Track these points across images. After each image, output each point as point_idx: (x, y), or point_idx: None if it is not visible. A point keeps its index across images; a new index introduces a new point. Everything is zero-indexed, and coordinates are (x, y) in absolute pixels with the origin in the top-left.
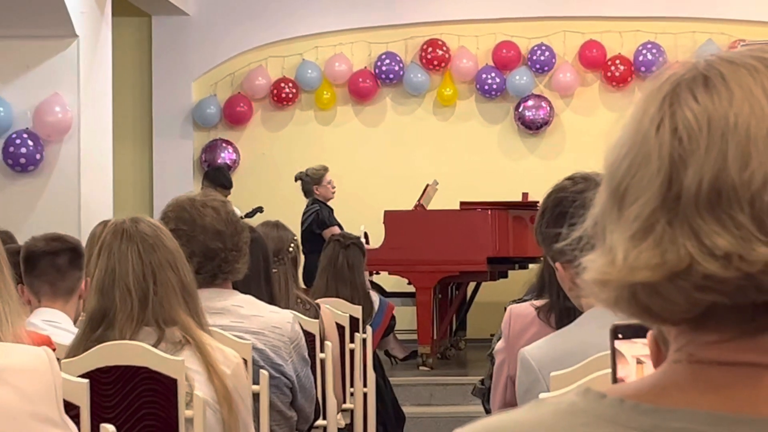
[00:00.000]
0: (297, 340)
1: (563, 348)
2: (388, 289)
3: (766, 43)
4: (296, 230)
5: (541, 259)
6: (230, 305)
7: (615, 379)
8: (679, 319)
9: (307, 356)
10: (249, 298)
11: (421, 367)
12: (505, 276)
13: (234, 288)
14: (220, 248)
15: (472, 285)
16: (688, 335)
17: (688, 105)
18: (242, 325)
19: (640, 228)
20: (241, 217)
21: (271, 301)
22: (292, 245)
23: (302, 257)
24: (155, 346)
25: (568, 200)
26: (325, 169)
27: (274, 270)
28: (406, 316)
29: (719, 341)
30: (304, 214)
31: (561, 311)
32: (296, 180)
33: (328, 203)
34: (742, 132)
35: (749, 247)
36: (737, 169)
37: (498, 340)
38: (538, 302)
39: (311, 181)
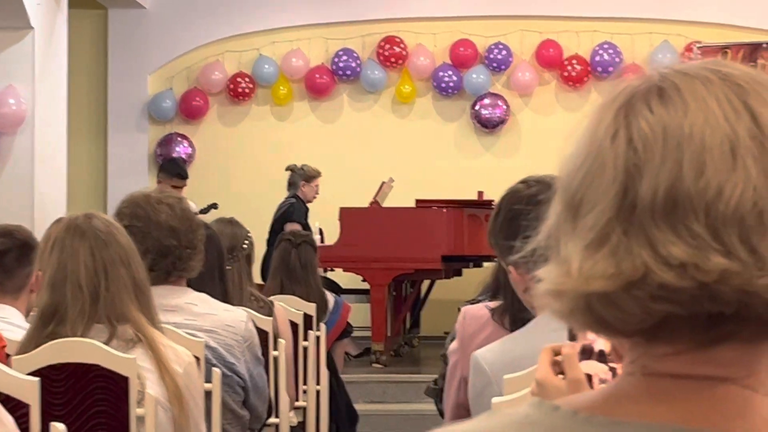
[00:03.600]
0: (250, 339)
1: (516, 351)
2: (342, 286)
3: (722, 47)
4: (252, 226)
5: (495, 259)
6: (184, 303)
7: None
8: (633, 330)
9: (260, 355)
10: (203, 296)
11: (374, 365)
12: (460, 274)
13: (188, 285)
14: (175, 245)
15: (426, 283)
16: (642, 347)
17: (643, 116)
18: (195, 323)
19: (595, 238)
20: (196, 213)
21: (225, 298)
22: (246, 242)
23: (256, 254)
24: (107, 343)
25: (522, 203)
26: (319, 173)
27: (228, 267)
28: (360, 313)
29: (673, 353)
30: (280, 205)
31: (515, 314)
32: (287, 170)
33: (306, 204)
34: (696, 141)
35: (704, 257)
36: (692, 179)
37: (451, 341)
38: (493, 304)
39: (302, 176)
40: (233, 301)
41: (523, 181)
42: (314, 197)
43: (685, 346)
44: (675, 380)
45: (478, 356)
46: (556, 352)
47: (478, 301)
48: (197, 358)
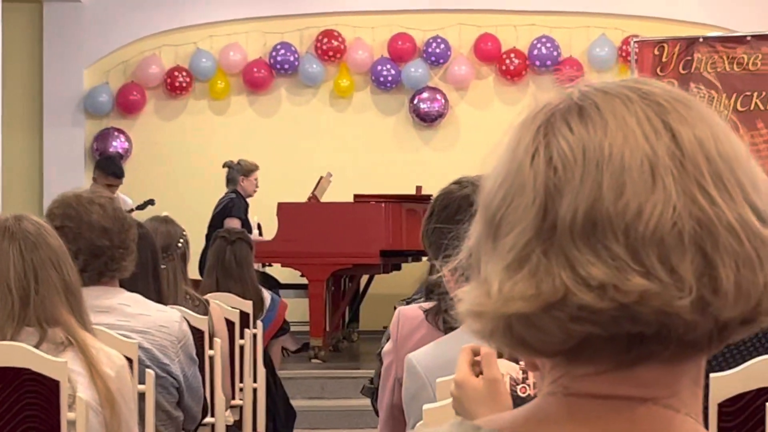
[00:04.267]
0: (184, 340)
1: (450, 354)
2: (281, 281)
3: (659, 41)
4: (189, 221)
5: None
6: (116, 304)
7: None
8: (554, 351)
9: (194, 355)
10: (136, 297)
11: (313, 360)
12: (399, 268)
13: (121, 286)
14: (107, 246)
15: (365, 277)
16: (563, 368)
17: (563, 135)
18: (129, 323)
19: (515, 258)
20: (132, 209)
21: (159, 298)
22: (182, 241)
23: (194, 250)
24: (37, 346)
25: (455, 204)
26: (257, 167)
27: (162, 266)
28: (298, 308)
29: (594, 374)
30: (220, 200)
31: (448, 315)
32: (224, 167)
33: (247, 200)
34: (616, 162)
35: (624, 278)
36: (612, 199)
37: (387, 341)
38: (427, 305)
39: (240, 171)
40: (168, 300)
41: (457, 182)
42: (254, 191)
43: (606, 367)
44: (596, 400)
45: (412, 359)
46: (476, 353)
47: (414, 300)
48: (130, 360)
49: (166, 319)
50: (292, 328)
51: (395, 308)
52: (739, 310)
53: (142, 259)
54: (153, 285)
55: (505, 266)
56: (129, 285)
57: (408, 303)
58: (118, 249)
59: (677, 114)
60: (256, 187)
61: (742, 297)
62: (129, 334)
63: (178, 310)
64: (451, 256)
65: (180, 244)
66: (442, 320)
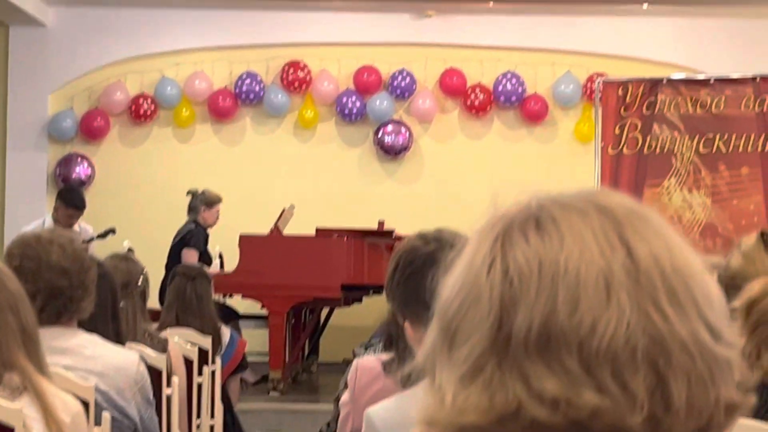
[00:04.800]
0: (142, 382)
1: (411, 410)
2: (241, 312)
3: (623, 82)
4: (151, 249)
5: (389, 313)
6: (74, 345)
7: None
8: None
9: (151, 397)
10: (93, 338)
11: (271, 392)
12: (360, 301)
13: (80, 325)
14: (66, 286)
15: (326, 309)
16: None
17: (520, 247)
18: (86, 365)
19: (469, 369)
20: (93, 238)
21: (118, 337)
22: (141, 278)
23: (154, 278)
24: None
25: (419, 261)
26: (220, 199)
27: (121, 304)
28: (258, 339)
29: None
30: (179, 230)
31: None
32: (188, 194)
33: (207, 230)
34: (572, 276)
35: (576, 393)
36: (567, 314)
37: (344, 387)
38: (385, 356)
39: (203, 201)
40: (127, 338)
41: (421, 237)
42: (214, 222)
43: None
44: None
45: (371, 414)
46: None
47: (372, 345)
48: (86, 403)
49: (123, 361)
50: (251, 359)
51: (353, 354)
52: (691, 427)
53: (102, 298)
54: (112, 325)
55: (459, 376)
56: (88, 325)
57: (366, 348)
58: (77, 290)
59: (633, 229)
60: (217, 218)
61: (693, 414)
62: (86, 375)
63: (136, 351)
64: (414, 312)
65: (140, 282)
66: (401, 374)
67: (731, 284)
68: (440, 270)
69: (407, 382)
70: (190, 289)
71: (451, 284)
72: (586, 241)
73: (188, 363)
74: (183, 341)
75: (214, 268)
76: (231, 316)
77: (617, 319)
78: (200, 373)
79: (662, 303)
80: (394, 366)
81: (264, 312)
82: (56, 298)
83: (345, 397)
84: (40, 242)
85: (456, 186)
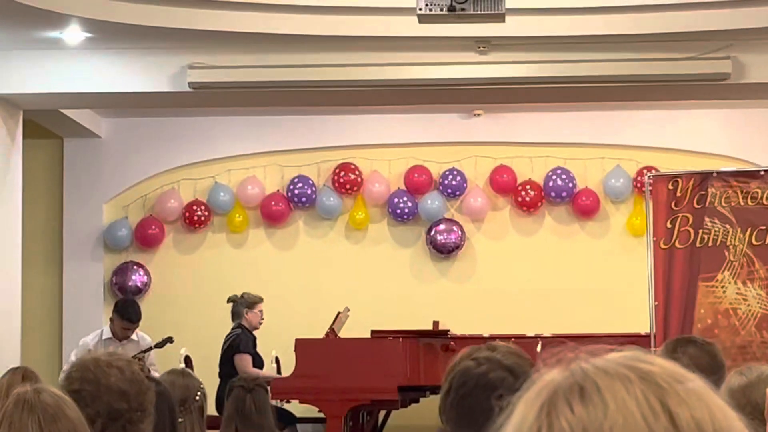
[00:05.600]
0: None
1: None
2: (298, 415)
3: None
4: (207, 355)
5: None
6: None
7: None
8: None
9: None
10: None
11: None
12: (417, 401)
13: None
14: (125, 409)
15: (383, 411)
16: None
17: (565, 415)
18: None
19: None
20: (151, 347)
21: None
22: (199, 393)
23: (208, 405)
24: None
25: (471, 382)
26: (261, 299)
27: (180, 419)
28: None
29: None
30: (227, 336)
31: None
32: (229, 302)
33: (253, 332)
34: None
35: None
36: None
37: None
38: None
39: (244, 304)
40: None
41: (473, 358)
42: (260, 323)
43: None
44: None
45: None
46: None
47: None
48: None
49: None
50: None
51: None
52: None
53: (160, 418)
54: None
55: None
56: None
57: None
58: (136, 412)
59: (675, 394)
60: (261, 319)
61: None
62: None
63: None
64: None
65: (198, 398)
66: None
67: None
68: (493, 391)
69: None
70: (249, 401)
71: None
72: (630, 408)
73: None
74: None
75: (270, 371)
76: (289, 421)
77: None
78: None
79: None
80: None
81: (321, 415)
82: (115, 420)
83: None
84: (98, 365)
85: (509, 283)
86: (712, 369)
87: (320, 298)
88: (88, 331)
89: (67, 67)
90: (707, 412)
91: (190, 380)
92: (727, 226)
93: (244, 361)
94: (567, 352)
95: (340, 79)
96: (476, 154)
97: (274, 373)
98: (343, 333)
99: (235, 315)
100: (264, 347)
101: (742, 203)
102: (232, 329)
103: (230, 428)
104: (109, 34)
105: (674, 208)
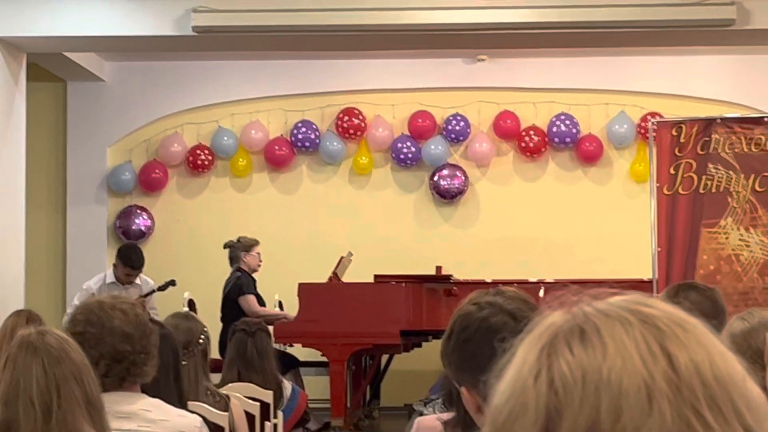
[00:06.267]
0: None
1: None
2: (301, 359)
3: (677, 122)
4: (211, 298)
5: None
6: (138, 409)
7: None
8: None
9: None
10: (157, 402)
11: None
12: (419, 346)
13: (143, 388)
14: (129, 351)
15: (386, 355)
16: None
17: (564, 357)
18: (150, 429)
19: None
20: (154, 290)
21: (180, 397)
22: (202, 337)
23: (211, 348)
24: None
25: (474, 327)
26: (257, 242)
27: (184, 362)
28: (319, 386)
29: None
30: (227, 281)
31: (468, 428)
32: (225, 247)
33: (253, 275)
34: (614, 386)
35: None
36: (610, 423)
37: None
38: (446, 416)
39: (241, 248)
40: (189, 396)
41: (475, 303)
42: (258, 266)
43: None
44: None
45: None
46: None
47: (431, 401)
48: None
49: (186, 425)
50: (313, 406)
51: (413, 409)
52: None
53: (164, 361)
54: (174, 385)
55: None
56: (151, 387)
57: (426, 404)
58: (140, 354)
59: (675, 338)
60: (260, 261)
61: None
62: None
63: (198, 414)
64: (470, 378)
65: (201, 341)
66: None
67: None
68: (495, 335)
69: None
70: (251, 345)
71: (501, 391)
72: (629, 350)
73: (250, 418)
74: (244, 397)
75: (277, 312)
76: (292, 365)
77: (659, 427)
78: (262, 428)
79: (703, 411)
80: (455, 426)
81: (324, 358)
82: (119, 363)
83: None
84: (102, 308)
85: (512, 228)
86: (713, 314)
87: (323, 243)
88: (92, 275)
89: (71, 10)
90: (706, 355)
91: (193, 323)
92: (731, 172)
93: (249, 302)
94: (569, 295)
95: (344, 23)
96: (480, 99)
97: (280, 312)
98: (346, 278)
99: (233, 260)
100: (267, 291)
101: (746, 149)
102: (232, 273)
103: (232, 372)
104: None
105: (678, 154)
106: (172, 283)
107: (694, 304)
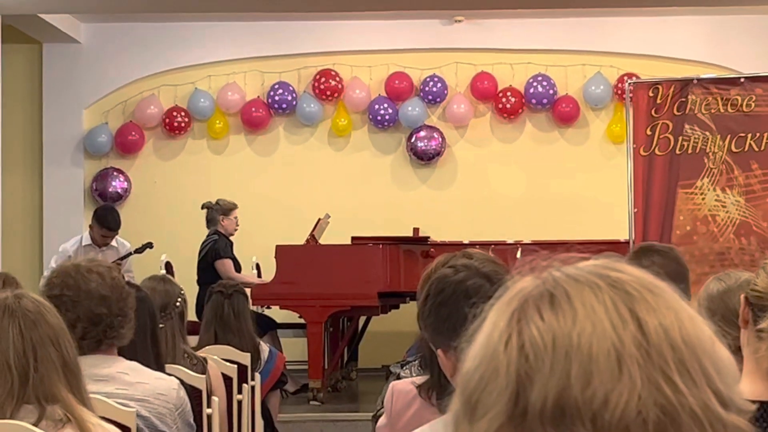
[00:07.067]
0: (182, 407)
1: None
2: (279, 321)
3: (654, 83)
4: (188, 261)
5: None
6: (115, 372)
7: None
8: None
9: (192, 422)
10: (134, 365)
11: (311, 402)
12: (397, 308)
13: (120, 351)
14: (105, 314)
15: (363, 317)
16: None
17: (535, 323)
18: (127, 392)
19: None
20: (131, 253)
21: (158, 360)
22: (179, 300)
23: (188, 311)
24: (36, 424)
25: (449, 290)
26: (236, 206)
27: (161, 325)
28: (297, 348)
29: None
30: (203, 243)
31: (442, 391)
32: (203, 208)
33: (229, 238)
34: (584, 351)
35: None
36: (580, 388)
37: (381, 407)
38: (419, 380)
39: (219, 210)
40: (166, 359)
41: (451, 266)
42: (235, 230)
43: None
44: None
45: None
46: None
47: (408, 363)
48: (128, 429)
49: (164, 387)
50: (291, 368)
51: (389, 371)
52: None
53: (141, 322)
54: (151, 348)
55: None
56: (128, 350)
57: (402, 366)
58: (117, 317)
59: (644, 302)
60: (237, 225)
61: None
62: (127, 402)
63: (175, 377)
64: (446, 340)
65: (178, 304)
66: (435, 395)
67: (759, 304)
68: (471, 298)
69: (441, 403)
70: (228, 306)
71: (471, 357)
72: (599, 315)
73: (228, 380)
74: (222, 359)
75: (251, 276)
76: (269, 327)
77: (629, 391)
78: (240, 390)
79: (672, 374)
80: (429, 389)
81: (302, 320)
82: (96, 325)
83: (382, 420)
84: (79, 271)
85: (490, 190)
86: (680, 274)
87: (301, 205)
88: (68, 237)
89: None
90: (676, 319)
91: (170, 286)
92: (707, 133)
93: (225, 266)
94: (539, 260)
95: None
96: (457, 60)
97: (255, 278)
98: (324, 239)
99: (210, 222)
100: (244, 253)
101: (722, 110)
102: (208, 235)
103: (209, 333)
104: None
105: (654, 115)
106: (149, 245)
107: (662, 267)
